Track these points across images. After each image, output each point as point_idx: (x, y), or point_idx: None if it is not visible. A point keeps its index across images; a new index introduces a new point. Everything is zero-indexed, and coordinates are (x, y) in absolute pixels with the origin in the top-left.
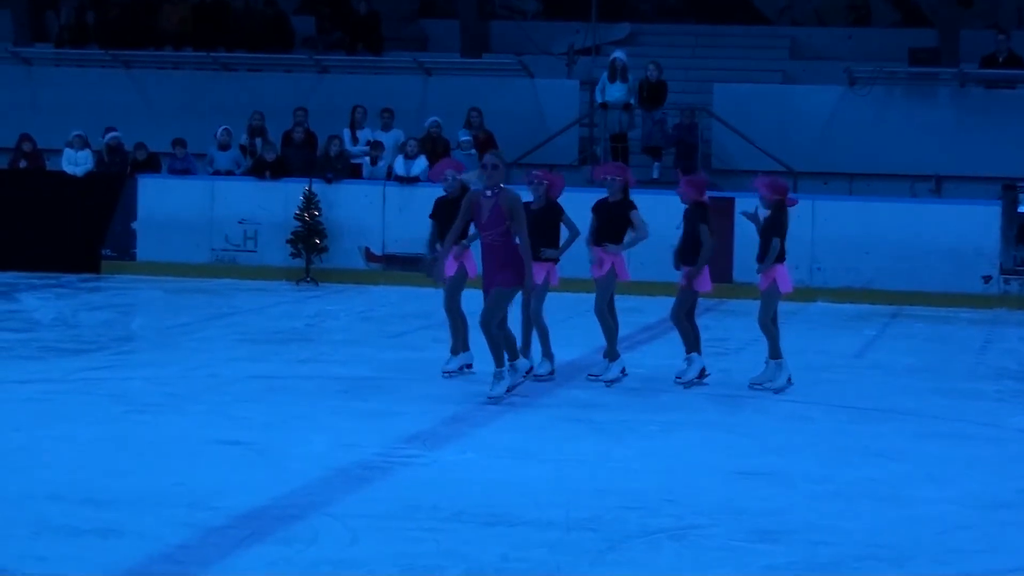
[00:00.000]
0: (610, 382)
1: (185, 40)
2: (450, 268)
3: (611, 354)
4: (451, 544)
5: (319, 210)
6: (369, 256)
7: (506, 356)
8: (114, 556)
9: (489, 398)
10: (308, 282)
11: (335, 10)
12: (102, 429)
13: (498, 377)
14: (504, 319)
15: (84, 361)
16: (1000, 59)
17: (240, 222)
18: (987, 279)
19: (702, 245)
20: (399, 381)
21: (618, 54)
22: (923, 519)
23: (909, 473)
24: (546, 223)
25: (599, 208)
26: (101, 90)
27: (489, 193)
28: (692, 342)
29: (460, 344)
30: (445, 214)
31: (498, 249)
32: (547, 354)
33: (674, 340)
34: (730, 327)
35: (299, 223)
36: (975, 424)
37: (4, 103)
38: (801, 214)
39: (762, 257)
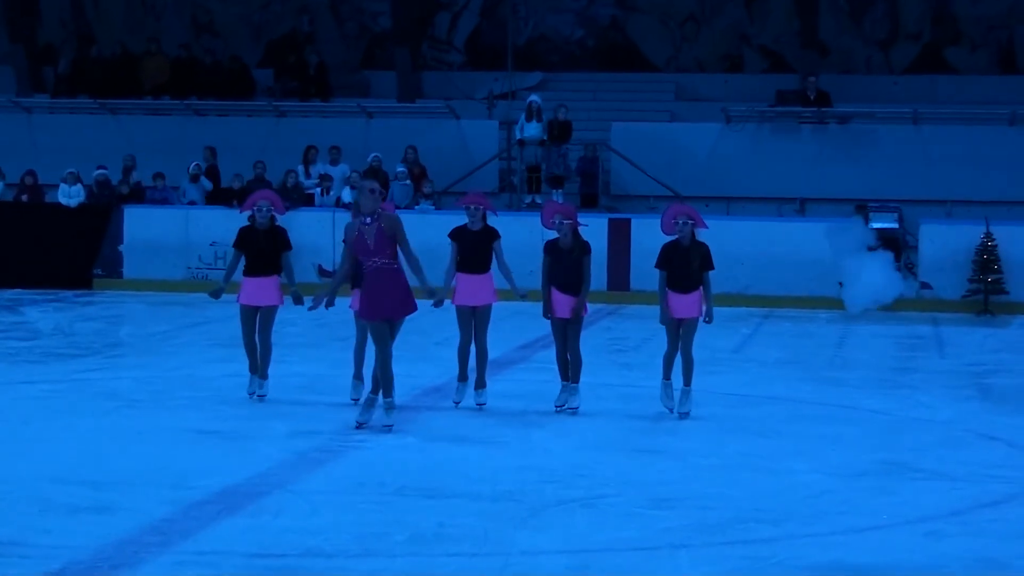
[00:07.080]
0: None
1: (163, 90)
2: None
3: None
4: (395, 514)
5: None
6: (321, 272)
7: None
8: (109, 529)
9: (384, 426)
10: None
11: (291, 63)
12: (97, 421)
13: (390, 407)
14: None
15: (80, 364)
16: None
17: (211, 244)
18: (841, 285)
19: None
20: (350, 377)
21: (534, 97)
22: (794, 487)
23: (782, 448)
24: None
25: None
26: (91, 133)
27: (369, 220)
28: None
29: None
30: (249, 244)
31: (388, 273)
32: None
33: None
34: (628, 328)
35: None
36: (837, 407)
37: (8, 145)
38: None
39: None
